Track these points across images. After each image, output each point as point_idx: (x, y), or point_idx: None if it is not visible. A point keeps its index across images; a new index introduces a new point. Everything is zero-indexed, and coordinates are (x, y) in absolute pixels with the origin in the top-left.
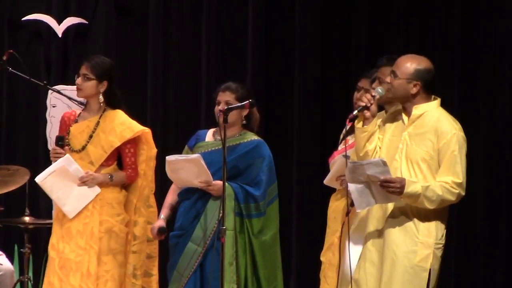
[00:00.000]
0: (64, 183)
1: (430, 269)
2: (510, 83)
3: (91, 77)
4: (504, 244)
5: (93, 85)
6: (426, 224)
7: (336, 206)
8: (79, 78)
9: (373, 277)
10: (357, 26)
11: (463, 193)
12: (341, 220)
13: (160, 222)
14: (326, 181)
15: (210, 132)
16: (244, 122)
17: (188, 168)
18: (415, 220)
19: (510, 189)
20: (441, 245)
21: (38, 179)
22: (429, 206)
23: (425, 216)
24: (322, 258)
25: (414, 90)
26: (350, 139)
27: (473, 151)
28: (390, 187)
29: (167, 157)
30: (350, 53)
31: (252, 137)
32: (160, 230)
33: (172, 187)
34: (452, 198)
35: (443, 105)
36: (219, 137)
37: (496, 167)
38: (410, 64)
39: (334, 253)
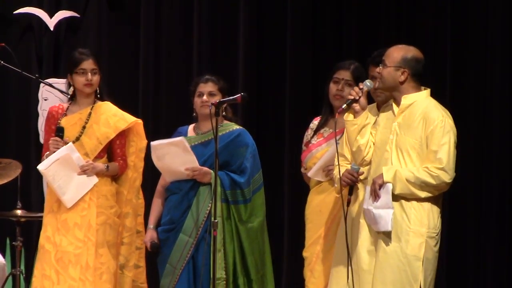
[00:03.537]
0: (65, 172)
1: (423, 258)
2: (502, 75)
3: (98, 71)
4: (494, 236)
5: (99, 78)
6: (418, 213)
7: (321, 199)
8: (89, 74)
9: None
10: (347, 20)
11: (446, 179)
12: (328, 213)
13: (151, 234)
14: (311, 174)
15: (191, 127)
16: (224, 113)
17: (173, 153)
18: (407, 210)
19: (500, 180)
20: (434, 234)
21: (41, 167)
22: (416, 190)
23: (416, 204)
24: (305, 254)
25: (402, 78)
26: (325, 132)
27: (464, 142)
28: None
29: (151, 143)
30: (341, 46)
31: (233, 126)
32: (154, 246)
33: (156, 198)
34: (432, 180)
35: (435, 96)
36: (200, 131)
37: (487, 158)
38: (398, 52)
39: (323, 246)
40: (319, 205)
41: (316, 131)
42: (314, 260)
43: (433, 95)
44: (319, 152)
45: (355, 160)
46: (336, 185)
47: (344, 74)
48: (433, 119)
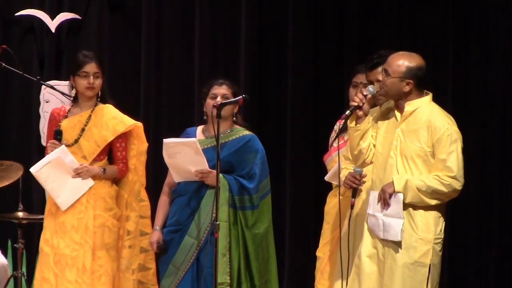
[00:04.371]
0: (58, 174)
1: (430, 265)
2: (503, 79)
3: (100, 74)
4: (496, 240)
5: (102, 81)
6: (425, 220)
7: (336, 202)
8: (91, 77)
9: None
10: (349, 23)
11: (457, 186)
12: (343, 216)
13: (157, 235)
14: (328, 177)
15: (199, 129)
16: (234, 118)
17: (184, 152)
18: (413, 216)
19: (502, 181)
20: (440, 240)
21: (33, 169)
22: (426, 199)
23: (423, 212)
24: (319, 254)
25: (407, 88)
26: (346, 136)
27: (465, 146)
28: (385, 199)
29: (164, 140)
30: (342, 49)
31: (243, 132)
32: (160, 247)
33: (162, 198)
34: (443, 189)
35: (437, 100)
36: (209, 135)
37: (488, 161)
38: (402, 62)
39: (336, 248)
40: (336, 207)
41: (338, 134)
42: (325, 261)
43: (435, 98)
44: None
45: (356, 162)
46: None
47: (362, 78)
48: (439, 128)
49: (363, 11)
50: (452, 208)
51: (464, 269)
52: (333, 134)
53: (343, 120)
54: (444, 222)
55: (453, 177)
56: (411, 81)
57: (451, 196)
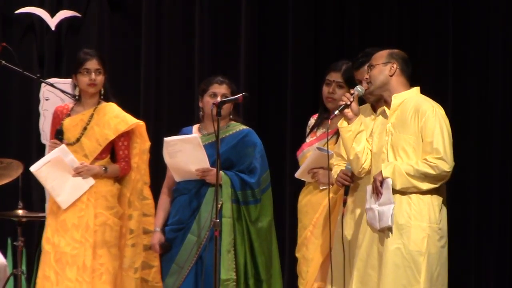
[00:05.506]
0: (59, 173)
1: (426, 253)
2: (503, 78)
3: (102, 71)
4: (497, 229)
5: (104, 78)
6: (418, 208)
7: (308, 200)
8: (92, 74)
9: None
10: (349, 23)
11: (445, 167)
12: (313, 214)
13: (158, 236)
14: (297, 175)
15: (195, 128)
16: (231, 116)
17: (185, 150)
18: (407, 205)
19: (502, 176)
20: (436, 228)
21: (33, 168)
22: (417, 183)
23: (416, 200)
24: (297, 255)
25: (392, 71)
26: (318, 132)
27: (466, 139)
28: (377, 187)
29: (165, 138)
30: (343, 49)
31: (240, 126)
32: (163, 247)
33: (162, 199)
34: (431, 171)
35: (437, 99)
36: (206, 132)
37: (488, 155)
38: (383, 51)
39: (308, 247)
40: (306, 206)
41: (311, 130)
42: (302, 261)
43: (435, 97)
44: (309, 152)
45: (354, 169)
46: (321, 187)
47: (335, 76)
48: (424, 111)
49: (363, 11)
50: (452, 207)
51: (464, 269)
52: (308, 130)
53: (330, 119)
54: (441, 210)
55: (440, 158)
56: (394, 63)
57: (442, 178)
